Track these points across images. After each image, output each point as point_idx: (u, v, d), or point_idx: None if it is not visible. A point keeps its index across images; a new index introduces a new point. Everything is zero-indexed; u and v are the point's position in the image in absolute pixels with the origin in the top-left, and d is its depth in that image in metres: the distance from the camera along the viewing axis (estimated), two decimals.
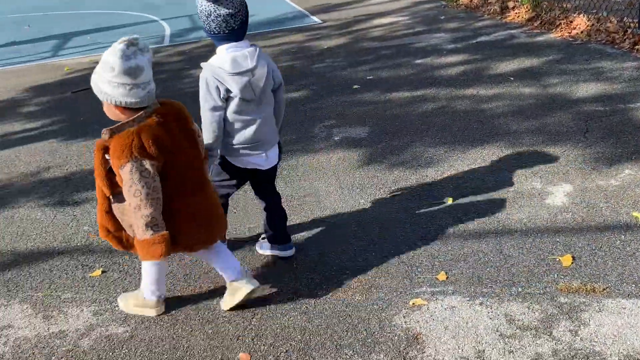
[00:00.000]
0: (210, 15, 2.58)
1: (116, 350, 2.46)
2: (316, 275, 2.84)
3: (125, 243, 2.49)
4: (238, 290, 2.59)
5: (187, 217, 2.41)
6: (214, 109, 2.63)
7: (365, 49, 7.12)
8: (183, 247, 2.48)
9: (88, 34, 10.43)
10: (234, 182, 2.89)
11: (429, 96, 5.20)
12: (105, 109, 2.35)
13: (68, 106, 6.03)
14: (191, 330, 2.54)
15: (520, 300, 2.55)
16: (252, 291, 2.59)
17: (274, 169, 2.96)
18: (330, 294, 2.70)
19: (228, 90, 2.62)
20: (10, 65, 8.43)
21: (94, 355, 2.45)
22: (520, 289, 2.62)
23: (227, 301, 2.63)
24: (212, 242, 2.56)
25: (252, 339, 2.45)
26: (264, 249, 3.09)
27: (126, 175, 2.23)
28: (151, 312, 2.66)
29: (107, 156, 2.27)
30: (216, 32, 2.61)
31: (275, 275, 2.87)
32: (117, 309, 2.72)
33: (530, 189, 3.47)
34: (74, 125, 5.39)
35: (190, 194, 2.41)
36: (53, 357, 2.45)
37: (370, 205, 3.46)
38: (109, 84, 2.24)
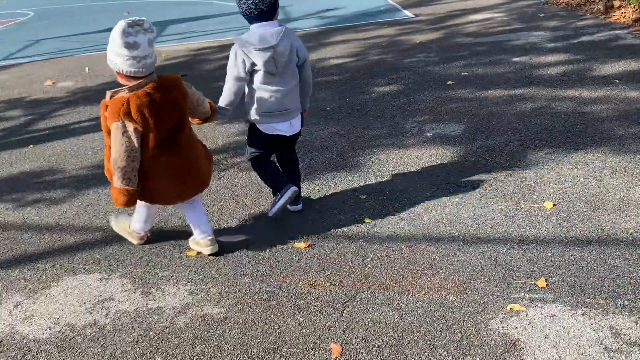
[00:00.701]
0: None
1: (211, 330, 2.52)
2: (407, 273, 2.80)
3: None
4: (199, 247, 3.08)
5: (161, 175, 2.82)
6: (237, 79, 3.07)
7: (459, 45, 6.95)
8: (158, 200, 2.95)
9: (184, 22, 10.77)
10: (265, 150, 3.30)
11: (528, 95, 5.01)
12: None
13: None
14: (283, 317, 2.56)
15: (626, 313, 2.41)
16: (212, 254, 3.05)
17: (296, 136, 3.35)
18: (422, 292, 2.65)
19: (253, 64, 3.02)
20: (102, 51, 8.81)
21: (190, 333, 2.51)
22: (626, 302, 2.48)
23: (191, 245, 3.14)
24: (184, 198, 2.98)
25: (344, 331, 2.45)
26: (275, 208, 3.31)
27: (112, 132, 2.68)
28: (134, 241, 3.23)
29: (106, 113, 2.70)
30: (247, 13, 3.00)
31: (364, 268, 2.85)
32: (212, 289, 2.79)
33: (637, 197, 3.27)
34: None
35: (166, 155, 2.78)
36: (151, 332, 2.54)
37: (464, 204, 3.37)
38: (113, 53, 2.65)
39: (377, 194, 3.59)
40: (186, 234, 3.27)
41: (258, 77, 3.06)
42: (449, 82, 5.54)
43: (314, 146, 4.39)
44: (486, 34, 7.42)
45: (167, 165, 2.80)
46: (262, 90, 3.09)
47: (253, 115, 3.16)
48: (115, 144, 2.67)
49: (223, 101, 3.12)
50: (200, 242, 3.08)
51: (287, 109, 3.17)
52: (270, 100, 3.11)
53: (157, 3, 13.96)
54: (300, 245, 3.09)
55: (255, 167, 3.38)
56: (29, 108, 6.08)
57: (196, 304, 2.70)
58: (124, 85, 2.69)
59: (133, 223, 3.20)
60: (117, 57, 2.64)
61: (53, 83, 7.03)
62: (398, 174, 3.83)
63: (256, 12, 2.98)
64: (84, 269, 3.06)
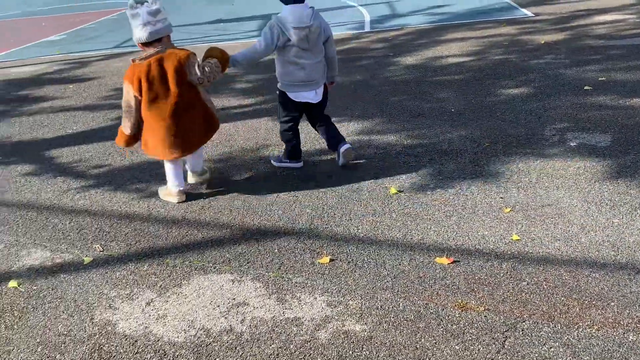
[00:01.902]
0: None
1: (356, 350, 2.31)
2: (573, 302, 2.47)
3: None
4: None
5: (150, 133, 3.44)
6: (266, 47, 3.55)
7: (590, 47, 6.42)
8: (153, 153, 3.50)
9: None
10: (294, 114, 3.83)
11: None
12: None
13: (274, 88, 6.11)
14: (435, 343, 2.31)
15: None
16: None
17: (321, 102, 3.83)
18: (595, 327, 2.32)
19: (288, 40, 3.53)
20: (218, 41, 8.86)
21: (333, 351, 2.31)
22: None
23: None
24: (171, 157, 3.49)
25: None
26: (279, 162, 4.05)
27: (123, 89, 3.43)
28: (174, 200, 3.66)
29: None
30: None
31: (521, 293, 2.55)
32: (351, 303, 2.58)
33: None
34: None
35: (154, 117, 3.37)
36: (291, 345, 2.36)
37: (627, 227, 2.99)
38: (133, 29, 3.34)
39: (522, 207, 3.26)
40: (314, 236, 3.09)
41: (292, 52, 3.58)
42: (586, 87, 5.09)
43: (443, 150, 4.10)
44: (618, 36, 6.83)
45: (154, 126, 3.40)
46: (294, 64, 3.62)
47: (285, 84, 3.71)
48: (123, 98, 3.43)
49: (244, 57, 3.63)
50: (172, 197, 3.66)
51: (313, 80, 3.70)
52: (300, 72, 3.64)
53: None
54: (443, 260, 2.83)
55: (286, 130, 3.88)
56: None
57: (336, 317, 2.50)
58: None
59: (167, 184, 3.66)
60: (133, 31, 3.32)
61: None
62: (542, 186, 3.49)
63: None
64: (215, 268, 2.93)
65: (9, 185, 4.15)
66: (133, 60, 3.36)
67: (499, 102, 4.95)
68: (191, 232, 3.30)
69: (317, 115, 3.89)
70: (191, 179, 3.86)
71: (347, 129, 4.65)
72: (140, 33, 3.29)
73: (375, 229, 3.18)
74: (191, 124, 3.46)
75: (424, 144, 4.24)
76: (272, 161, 4.08)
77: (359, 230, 3.17)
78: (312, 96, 3.74)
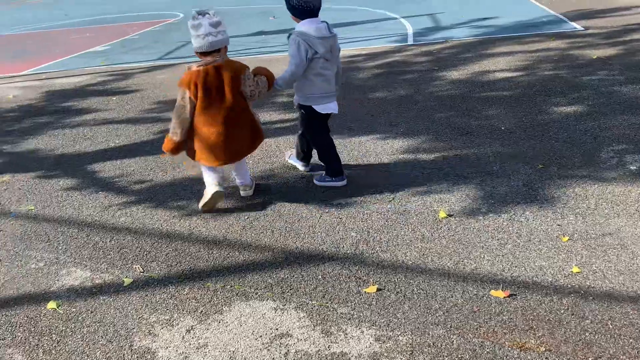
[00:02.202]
0: None
1: None
2: None
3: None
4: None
5: (197, 139, 3.51)
6: (300, 65, 3.57)
7: None
8: (199, 158, 3.55)
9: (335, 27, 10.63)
10: (326, 128, 3.88)
11: None
12: None
13: None
14: None
15: None
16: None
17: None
18: None
19: (315, 52, 3.56)
20: (259, 54, 8.84)
21: None
22: None
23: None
24: (215, 163, 3.54)
25: None
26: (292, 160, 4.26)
27: (178, 95, 3.48)
28: (211, 190, 3.60)
29: None
30: (305, 7, 3.56)
31: (584, 333, 2.36)
32: (400, 338, 2.43)
33: None
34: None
35: (205, 124, 3.45)
36: None
37: None
38: (192, 39, 3.43)
39: (581, 236, 3.07)
40: (359, 262, 2.95)
41: (318, 64, 3.62)
42: None
43: (494, 171, 3.93)
44: None
45: (204, 132, 3.46)
46: (321, 76, 3.66)
47: (313, 98, 3.72)
48: (176, 104, 3.47)
49: (284, 82, 3.65)
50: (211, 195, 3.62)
51: (334, 91, 3.79)
52: (325, 84, 3.69)
53: None
54: (499, 293, 2.66)
55: (314, 139, 3.91)
56: None
57: (385, 354, 2.36)
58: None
59: (205, 190, 3.65)
60: (192, 40, 3.40)
61: None
62: (602, 213, 3.28)
63: (307, 9, 3.58)
64: (256, 294, 2.82)
65: (51, 199, 4.14)
66: (189, 67, 3.44)
67: (551, 121, 4.74)
68: (232, 253, 3.20)
69: (327, 124, 3.93)
70: (243, 192, 3.89)
71: (392, 146, 4.52)
72: (201, 42, 3.37)
73: (425, 256, 3.02)
74: (240, 133, 3.54)
75: (473, 164, 4.07)
76: (315, 181, 3.98)
77: (407, 257, 3.02)
78: (334, 107, 3.81)
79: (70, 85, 7.83)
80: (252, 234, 3.40)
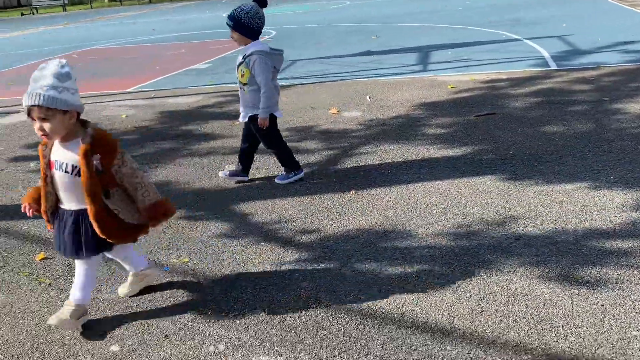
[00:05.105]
0: (259, 14, 4.04)
1: None
2: None
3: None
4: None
5: None
6: (271, 79, 4.06)
7: None
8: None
9: (448, 49, 9.84)
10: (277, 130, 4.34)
11: None
12: None
13: (479, 133, 5.21)
14: None
15: None
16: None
17: None
18: None
19: (274, 67, 4.08)
20: (371, 77, 8.11)
21: None
22: None
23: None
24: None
25: None
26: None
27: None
28: None
29: None
30: (256, 28, 4.06)
31: None
32: None
33: None
34: (500, 159, 4.50)
35: None
36: None
37: None
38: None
39: None
40: None
41: (274, 77, 4.13)
42: None
43: None
44: None
45: None
46: (275, 87, 4.14)
47: (273, 107, 4.14)
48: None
49: (268, 105, 4.08)
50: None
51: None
52: (277, 94, 4.19)
53: (408, 28, 13.28)
54: None
55: (278, 144, 4.34)
56: (325, 140, 5.42)
57: None
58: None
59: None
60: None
61: (338, 112, 6.38)
62: None
63: (261, 30, 4.10)
64: None
65: (206, 249, 3.48)
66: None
67: None
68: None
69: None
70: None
71: (612, 200, 3.64)
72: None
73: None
74: None
75: None
76: (278, 181, 4.38)
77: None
78: (280, 112, 4.28)
79: (184, 105, 7.30)
80: (478, 315, 2.60)
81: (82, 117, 2.61)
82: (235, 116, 6.51)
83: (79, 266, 2.75)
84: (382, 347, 2.48)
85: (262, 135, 4.24)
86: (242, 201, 4.15)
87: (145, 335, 2.68)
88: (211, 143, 5.61)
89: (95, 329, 2.76)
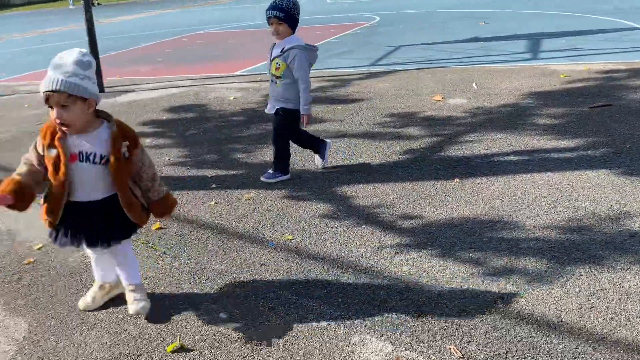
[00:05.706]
0: (298, 8, 4.02)
1: None
2: None
3: None
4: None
5: None
6: (309, 74, 4.11)
7: None
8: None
9: (562, 37, 9.40)
10: None
11: None
12: None
13: (593, 124, 4.96)
14: None
15: None
16: None
17: None
18: None
19: (310, 63, 4.12)
20: (482, 63, 7.89)
21: None
22: None
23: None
24: None
25: None
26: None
27: None
28: None
29: None
30: (298, 18, 4.05)
31: None
32: None
33: None
34: (616, 152, 4.26)
35: None
36: None
37: None
38: None
39: None
40: None
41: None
42: None
43: None
44: None
45: None
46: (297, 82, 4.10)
47: (296, 102, 4.10)
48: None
49: (310, 96, 4.09)
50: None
51: None
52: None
53: (517, 14, 12.80)
54: None
55: (284, 145, 4.26)
56: (429, 127, 5.36)
57: None
58: None
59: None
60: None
61: (442, 98, 6.28)
62: None
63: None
64: None
65: (309, 229, 3.56)
66: None
67: None
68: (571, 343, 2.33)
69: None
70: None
71: None
72: None
73: None
74: None
75: None
76: (264, 179, 4.29)
77: None
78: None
79: None
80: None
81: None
82: (339, 101, 6.61)
83: (118, 255, 2.76)
84: (485, 335, 2.45)
85: (278, 130, 4.23)
86: (344, 184, 4.20)
87: (252, 305, 2.80)
88: (314, 126, 5.70)
89: (205, 297, 2.92)
